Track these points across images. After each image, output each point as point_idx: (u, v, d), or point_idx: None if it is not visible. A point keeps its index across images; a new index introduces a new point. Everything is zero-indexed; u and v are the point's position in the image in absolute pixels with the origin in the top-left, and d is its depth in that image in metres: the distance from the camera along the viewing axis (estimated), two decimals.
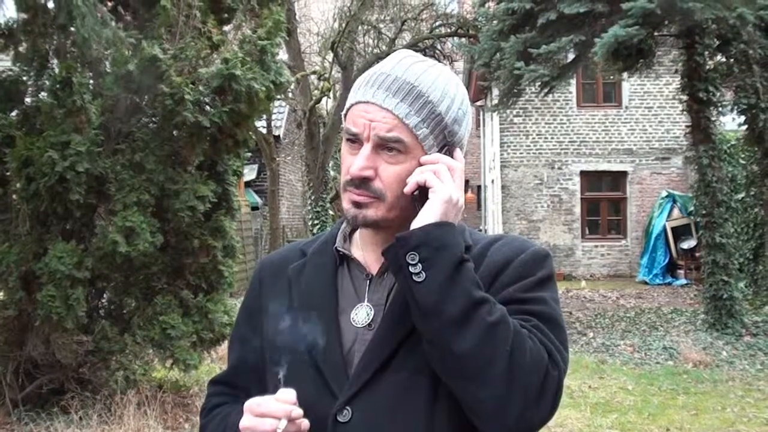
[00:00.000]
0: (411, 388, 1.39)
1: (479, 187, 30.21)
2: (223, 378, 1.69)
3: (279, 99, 13.84)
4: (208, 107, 6.45)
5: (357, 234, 1.57)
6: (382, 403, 1.38)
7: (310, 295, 1.51)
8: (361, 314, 1.47)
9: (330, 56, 19.88)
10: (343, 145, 1.47)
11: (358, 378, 1.40)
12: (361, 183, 1.41)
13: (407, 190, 1.39)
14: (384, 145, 1.40)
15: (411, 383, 1.39)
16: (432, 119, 1.41)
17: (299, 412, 1.33)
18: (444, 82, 1.44)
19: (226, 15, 7.31)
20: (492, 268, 1.44)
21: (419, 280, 1.32)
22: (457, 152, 1.47)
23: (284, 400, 1.33)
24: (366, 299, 1.49)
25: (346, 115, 1.46)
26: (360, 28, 20.52)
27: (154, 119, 6.69)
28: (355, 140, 1.43)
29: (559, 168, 20.93)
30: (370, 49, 20.93)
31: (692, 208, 17.39)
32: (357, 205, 1.43)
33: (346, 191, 1.45)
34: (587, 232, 21.20)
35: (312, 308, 1.48)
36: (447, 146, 1.45)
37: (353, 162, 1.41)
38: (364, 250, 1.54)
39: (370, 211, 1.43)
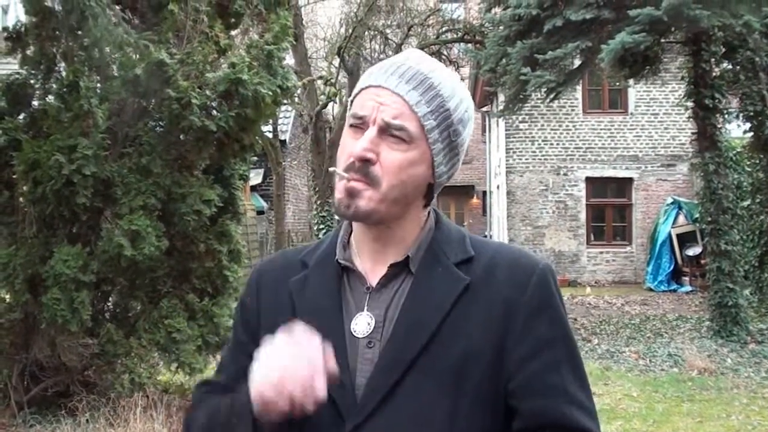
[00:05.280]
0: (423, 416, 1.35)
1: (484, 192, 30.19)
2: (215, 381, 1.60)
3: (285, 104, 13.85)
4: (214, 112, 6.46)
5: (353, 241, 1.51)
6: (393, 430, 1.34)
7: (315, 312, 1.45)
8: (362, 324, 1.42)
9: (336, 61, 19.92)
10: (345, 131, 1.43)
11: (365, 404, 1.36)
12: (361, 167, 1.37)
13: None
14: (388, 131, 1.37)
15: (423, 411, 1.35)
16: (440, 113, 1.39)
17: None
18: (455, 82, 1.43)
19: (233, 20, 7.33)
20: (505, 292, 1.41)
21: None
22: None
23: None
24: (365, 310, 1.44)
25: (353, 100, 1.43)
26: (366, 33, 20.53)
27: (160, 123, 6.71)
28: (360, 124, 1.39)
29: (565, 174, 20.91)
30: (377, 54, 20.93)
31: (698, 215, 17.36)
32: (350, 193, 1.38)
33: (341, 179, 1.40)
34: (592, 238, 21.16)
35: (318, 325, 1.40)
36: (450, 144, 1.43)
37: (355, 145, 1.38)
38: (362, 258, 1.49)
39: (362, 201, 1.38)
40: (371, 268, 1.47)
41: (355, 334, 1.42)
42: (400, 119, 1.37)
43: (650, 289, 18.99)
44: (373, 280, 1.46)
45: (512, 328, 1.39)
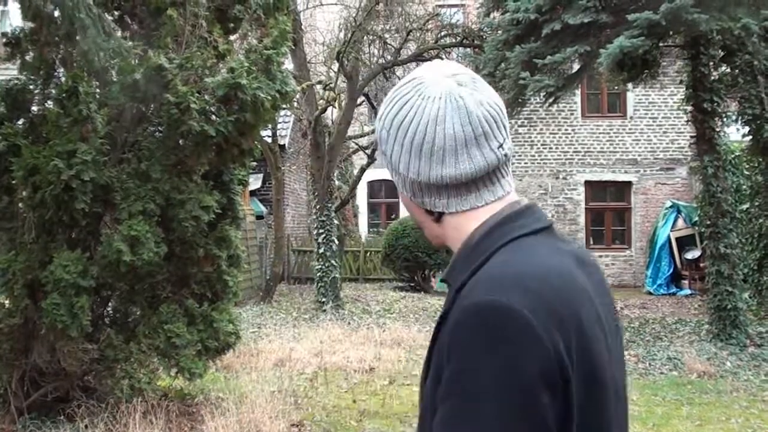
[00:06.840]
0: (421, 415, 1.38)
1: None
2: None
3: (284, 108, 13.84)
4: (213, 116, 6.46)
5: None
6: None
7: None
8: None
9: (336, 66, 19.90)
10: None
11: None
12: None
13: None
14: None
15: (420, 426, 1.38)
16: (379, 143, 1.45)
17: None
18: (385, 104, 1.44)
19: (232, 25, 7.34)
20: (447, 328, 1.29)
21: None
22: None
23: None
24: None
25: None
26: (365, 38, 20.49)
27: (159, 128, 6.71)
28: None
29: (564, 178, 20.93)
30: (376, 59, 20.90)
31: (697, 219, 17.40)
32: None
33: None
34: (592, 242, 21.16)
35: None
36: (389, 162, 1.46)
37: None
38: None
39: None
40: None
41: None
42: None
43: (649, 293, 19.00)
44: None
45: (441, 371, 1.27)
